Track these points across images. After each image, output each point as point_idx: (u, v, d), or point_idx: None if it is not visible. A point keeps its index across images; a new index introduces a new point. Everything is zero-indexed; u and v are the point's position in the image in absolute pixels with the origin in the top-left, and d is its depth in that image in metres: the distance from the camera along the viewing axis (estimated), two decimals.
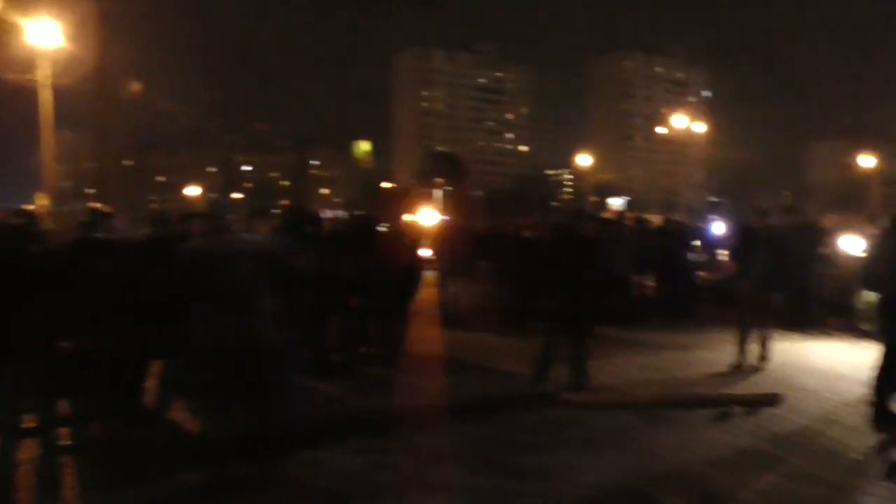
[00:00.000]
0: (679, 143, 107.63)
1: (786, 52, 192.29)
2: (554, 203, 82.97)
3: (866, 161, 49.50)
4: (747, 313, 6.98)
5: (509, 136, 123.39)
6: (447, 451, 4.59)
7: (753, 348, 7.05)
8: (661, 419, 5.31)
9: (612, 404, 5.63)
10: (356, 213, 12.53)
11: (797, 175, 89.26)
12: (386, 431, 4.89)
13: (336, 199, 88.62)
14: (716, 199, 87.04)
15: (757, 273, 6.81)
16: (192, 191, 62.94)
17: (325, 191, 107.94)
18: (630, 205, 58.85)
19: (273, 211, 8.70)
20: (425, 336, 7.60)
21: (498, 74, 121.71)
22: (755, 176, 79.88)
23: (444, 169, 78.33)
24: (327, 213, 14.92)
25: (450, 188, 70.60)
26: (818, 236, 9.89)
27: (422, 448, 4.65)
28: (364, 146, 73.76)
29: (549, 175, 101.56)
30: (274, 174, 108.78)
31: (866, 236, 8.40)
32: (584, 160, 56.75)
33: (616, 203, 59.69)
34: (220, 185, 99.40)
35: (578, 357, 5.87)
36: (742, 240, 7.44)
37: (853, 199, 47.26)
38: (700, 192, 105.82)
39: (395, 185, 70.61)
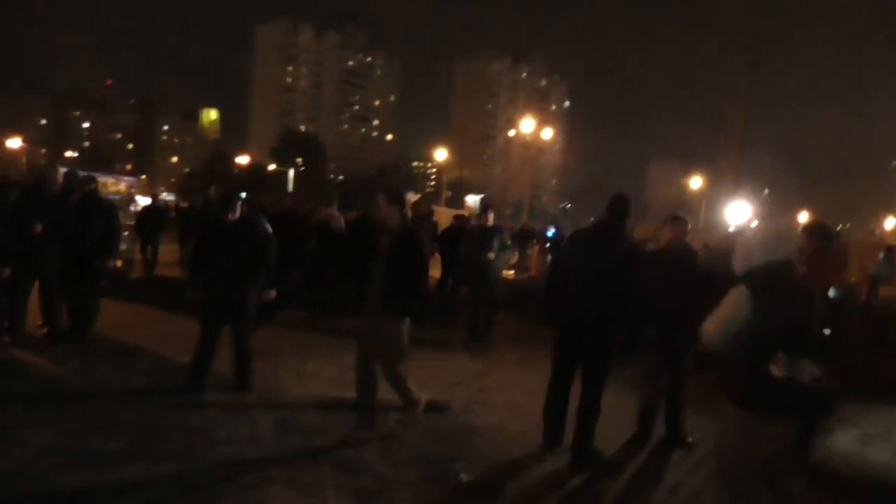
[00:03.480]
0: (536, 149, 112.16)
1: (639, 74, 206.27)
2: (418, 194, 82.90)
3: (695, 182, 53.91)
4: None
5: (375, 122, 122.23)
6: None
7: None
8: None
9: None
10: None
11: (639, 189, 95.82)
12: None
13: (186, 170, 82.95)
14: (567, 205, 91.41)
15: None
16: (13, 143, 55.93)
17: (174, 159, 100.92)
18: (484, 203, 59.77)
19: None
20: None
21: (367, 59, 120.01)
22: (602, 187, 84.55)
23: (301, 149, 76.43)
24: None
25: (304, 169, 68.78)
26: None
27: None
28: (211, 114, 69.69)
29: (416, 167, 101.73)
30: (116, 135, 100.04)
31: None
32: (441, 154, 56.94)
33: (471, 200, 60.40)
34: (50, 139, 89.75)
35: (242, 353, 5.33)
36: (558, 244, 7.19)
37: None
38: (553, 196, 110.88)
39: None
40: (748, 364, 2.85)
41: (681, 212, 6.14)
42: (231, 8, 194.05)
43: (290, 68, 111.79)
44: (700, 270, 4.85)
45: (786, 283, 2.86)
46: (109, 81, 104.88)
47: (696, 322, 5.12)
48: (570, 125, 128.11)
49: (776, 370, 2.77)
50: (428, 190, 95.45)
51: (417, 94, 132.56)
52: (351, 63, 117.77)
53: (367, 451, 4.34)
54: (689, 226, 5.41)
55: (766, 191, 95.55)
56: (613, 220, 4.43)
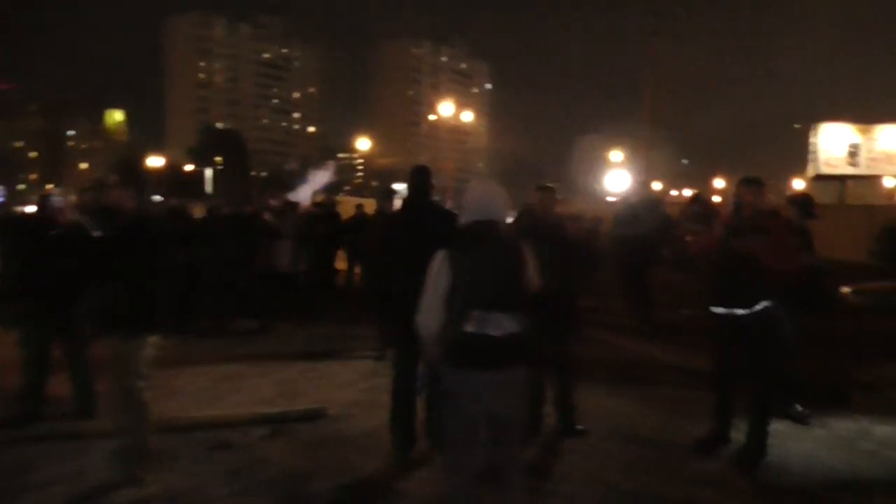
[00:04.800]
0: (462, 132, 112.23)
1: (562, 52, 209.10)
2: (346, 187, 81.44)
3: (615, 155, 54.87)
4: None
5: (296, 115, 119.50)
6: None
7: None
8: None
9: None
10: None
11: (564, 166, 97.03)
12: None
13: (96, 176, 78.92)
14: None
15: None
16: None
17: (83, 165, 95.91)
18: (385, 188, 59.34)
19: None
20: None
21: (284, 50, 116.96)
22: (529, 166, 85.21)
23: (221, 146, 73.83)
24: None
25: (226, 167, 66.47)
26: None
27: None
28: (116, 115, 66.34)
29: (342, 158, 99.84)
30: (17, 143, 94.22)
31: None
32: (364, 144, 56.03)
33: (400, 188, 59.74)
34: None
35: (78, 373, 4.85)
36: None
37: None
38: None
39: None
40: (448, 323, 2.87)
41: (548, 181, 5.77)
42: (137, 1, 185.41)
43: (204, 63, 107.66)
44: (571, 242, 4.54)
45: (490, 241, 2.93)
46: (13, 86, 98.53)
47: (571, 298, 4.83)
48: (495, 107, 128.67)
49: (469, 326, 2.83)
50: (356, 181, 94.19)
51: (339, 84, 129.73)
52: (267, 55, 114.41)
53: (211, 481, 3.82)
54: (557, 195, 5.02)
55: (685, 161, 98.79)
56: (417, 195, 4.23)
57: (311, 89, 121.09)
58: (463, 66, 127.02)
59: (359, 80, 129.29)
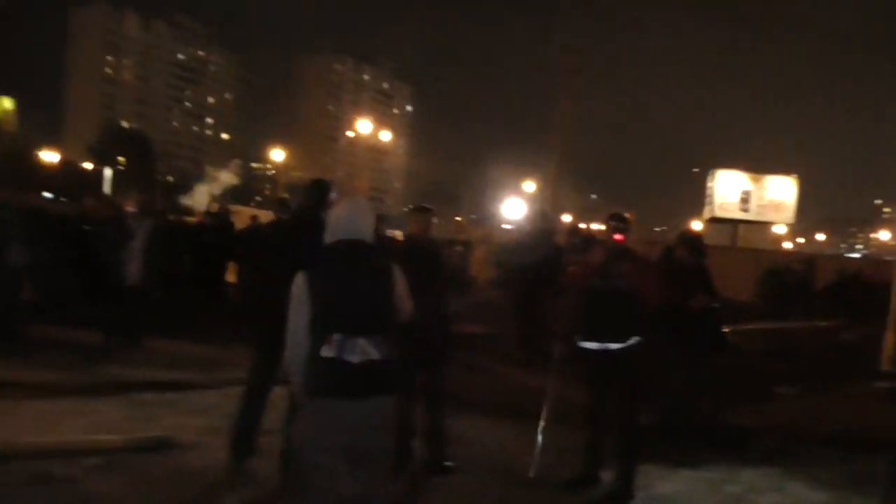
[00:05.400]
0: (379, 151, 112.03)
1: (481, 80, 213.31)
2: (257, 197, 79.08)
3: (528, 185, 56.09)
4: None
5: (210, 120, 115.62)
6: None
7: None
8: None
9: None
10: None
11: (478, 192, 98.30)
12: None
13: None
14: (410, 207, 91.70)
15: None
16: None
17: None
18: (280, 200, 58.36)
19: None
20: None
21: (200, 53, 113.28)
22: (446, 190, 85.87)
23: (125, 146, 70.25)
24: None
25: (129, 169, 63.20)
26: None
27: None
28: (5, 103, 61.78)
29: (255, 168, 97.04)
30: None
31: None
32: (278, 155, 54.74)
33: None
34: None
35: None
36: None
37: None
38: (398, 199, 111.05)
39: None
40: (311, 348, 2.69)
41: (426, 202, 5.62)
42: None
43: (111, 58, 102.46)
44: (442, 264, 4.37)
45: (354, 262, 2.80)
46: None
47: (445, 324, 4.63)
48: (415, 129, 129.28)
49: (326, 350, 2.66)
50: (266, 192, 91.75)
51: (258, 93, 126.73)
52: (181, 56, 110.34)
53: None
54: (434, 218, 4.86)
55: (594, 196, 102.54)
56: (311, 208, 4.04)
57: (228, 95, 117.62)
58: (385, 85, 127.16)
59: (279, 91, 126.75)
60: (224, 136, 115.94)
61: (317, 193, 4.08)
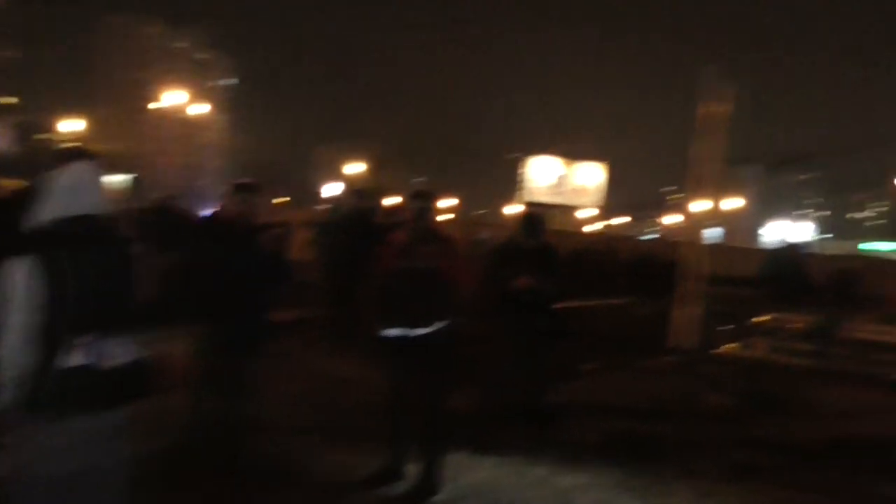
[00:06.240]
0: (195, 126, 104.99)
1: (316, 55, 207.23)
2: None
3: (353, 168, 55.65)
4: None
5: None
6: None
7: None
8: None
9: None
10: None
11: (305, 173, 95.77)
12: None
13: None
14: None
15: None
16: None
17: None
18: (136, 183, 53.18)
19: None
20: None
21: None
22: (275, 170, 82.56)
23: None
24: None
25: None
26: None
27: None
28: None
29: (38, 139, 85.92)
30: None
31: None
32: (67, 126, 48.70)
33: (116, 180, 53.36)
34: None
35: None
36: None
37: None
38: (218, 176, 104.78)
39: None
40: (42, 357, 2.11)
41: (246, 180, 5.09)
42: None
43: None
44: (259, 250, 3.91)
45: (87, 245, 2.25)
46: None
47: (258, 311, 4.18)
48: (240, 104, 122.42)
49: (74, 359, 2.14)
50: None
51: (52, 53, 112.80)
52: None
53: None
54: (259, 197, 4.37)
55: (422, 178, 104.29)
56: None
57: (11, 53, 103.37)
58: (202, 55, 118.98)
59: (79, 54, 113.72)
60: (9, 99, 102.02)
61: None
